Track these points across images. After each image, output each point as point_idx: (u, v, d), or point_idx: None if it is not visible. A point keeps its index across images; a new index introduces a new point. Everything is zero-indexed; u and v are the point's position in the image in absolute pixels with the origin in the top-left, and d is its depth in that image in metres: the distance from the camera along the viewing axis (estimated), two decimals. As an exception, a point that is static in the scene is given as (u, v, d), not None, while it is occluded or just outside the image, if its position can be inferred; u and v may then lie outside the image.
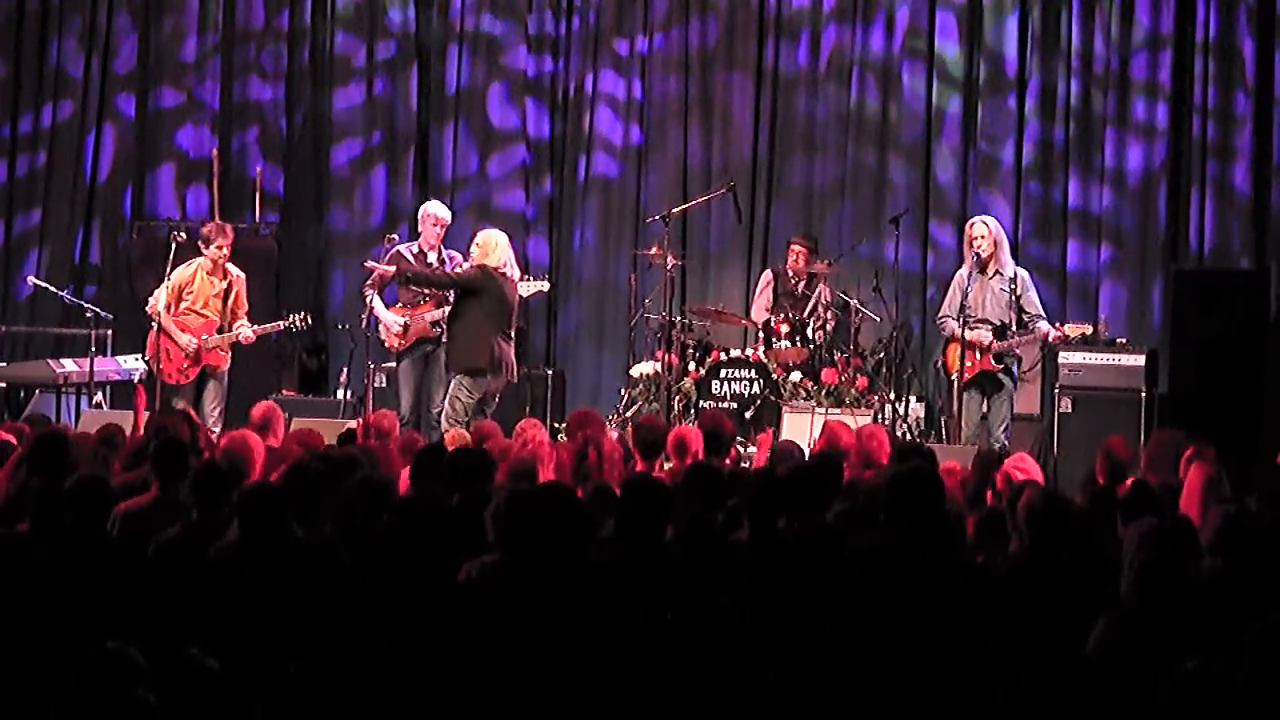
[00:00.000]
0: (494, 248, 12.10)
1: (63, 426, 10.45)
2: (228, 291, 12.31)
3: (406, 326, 12.39)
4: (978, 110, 14.31)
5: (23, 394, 13.49)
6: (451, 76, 15.15)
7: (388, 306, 12.48)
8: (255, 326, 12.35)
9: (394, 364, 12.66)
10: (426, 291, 12.43)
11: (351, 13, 15.22)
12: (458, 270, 12.25)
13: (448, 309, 12.30)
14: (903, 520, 6.13)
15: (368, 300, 12.48)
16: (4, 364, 14.02)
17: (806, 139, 14.70)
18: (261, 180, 14.83)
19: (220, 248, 12.23)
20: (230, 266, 12.37)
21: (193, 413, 10.45)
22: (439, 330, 12.41)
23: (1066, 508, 6.36)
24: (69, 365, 13.13)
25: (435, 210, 12.63)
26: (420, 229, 12.58)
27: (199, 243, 12.34)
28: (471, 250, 12.19)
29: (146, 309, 12.36)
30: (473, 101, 15.13)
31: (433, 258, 12.52)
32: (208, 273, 12.31)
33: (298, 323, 12.51)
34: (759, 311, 13.69)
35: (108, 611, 5.85)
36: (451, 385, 12.01)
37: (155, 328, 12.18)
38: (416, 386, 12.47)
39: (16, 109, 15.26)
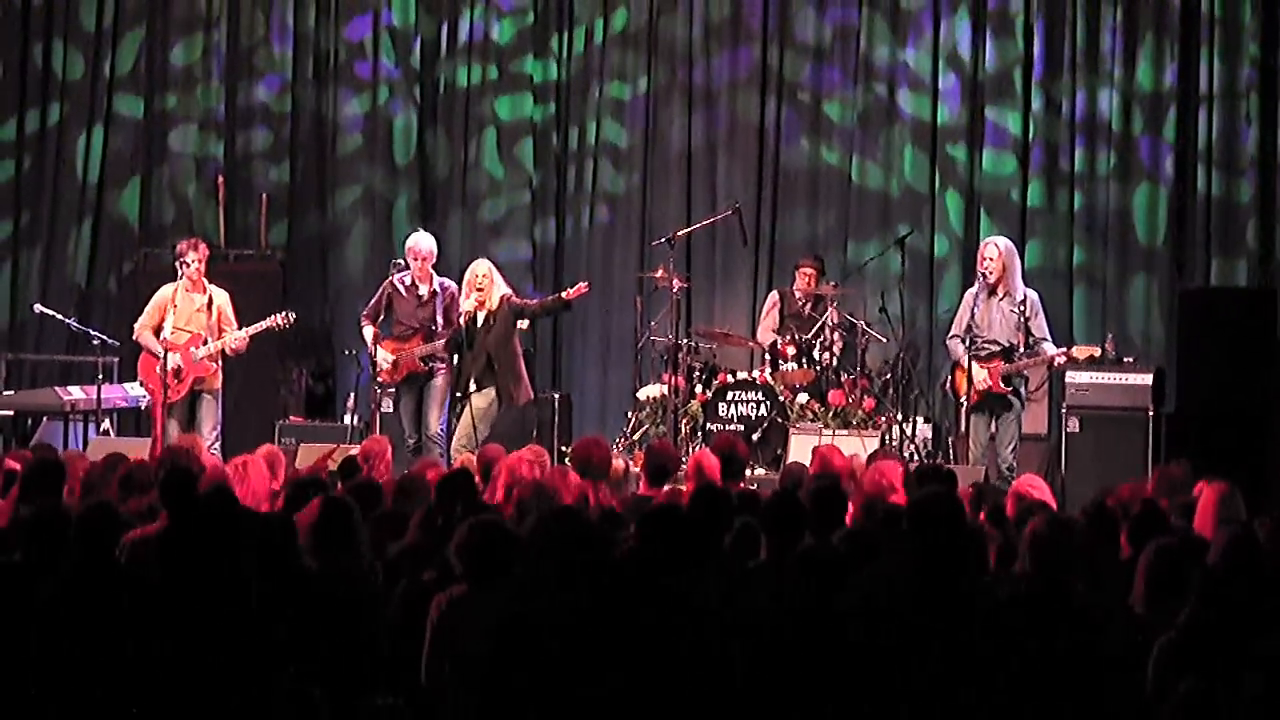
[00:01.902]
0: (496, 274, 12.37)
1: (68, 453, 10.42)
2: (209, 306, 12.34)
3: (396, 363, 12.35)
4: (983, 129, 14.31)
5: (30, 422, 13.49)
6: (458, 123, 15.20)
7: (380, 340, 12.46)
8: (241, 330, 12.34)
9: (394, 392, 12.65)
10: (418, 326, 12.42)
11: (355, 49, 15.27)
12: (530, 302, 12.55)
13: (438, 344, 12.33)
14: (922, 545, 6.10)
15: (364, 332, 12.52)
16: (11, 392, 14.02)
17: (812, 160, 14.71)
18: (268, 205, 14.85)
19: (193, 262, 12.29)
20: (211, 286, 12.41)
21: (199, 440, 10.41)
22: (428, 366, 12.41)
23: (1072, 532, 6.35)
24: (76, 393, 13.13)
25: (414, 244, 12.56)
26: (409, 261, 12.56)
27: (174, 261, 12.41)
28: (479, 283, 12.27)
29: (133, 336, 12.44)
30: (477, 141, 15.17)
31: (424, 289, 12.47)
32: (187, 290, 12.36)
33: (280, 321, 12.51)
34: (764, 333, 13.69)
35: (117, 639, 5.85)
36: (484, 411, 12.17)
37: (156, 354, 12.24)
38: (415, 413, 12.45)
39: (23, 111, 15.31)
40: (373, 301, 12.64)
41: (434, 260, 12.56)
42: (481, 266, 12.49)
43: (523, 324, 12.69)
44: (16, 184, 15.35)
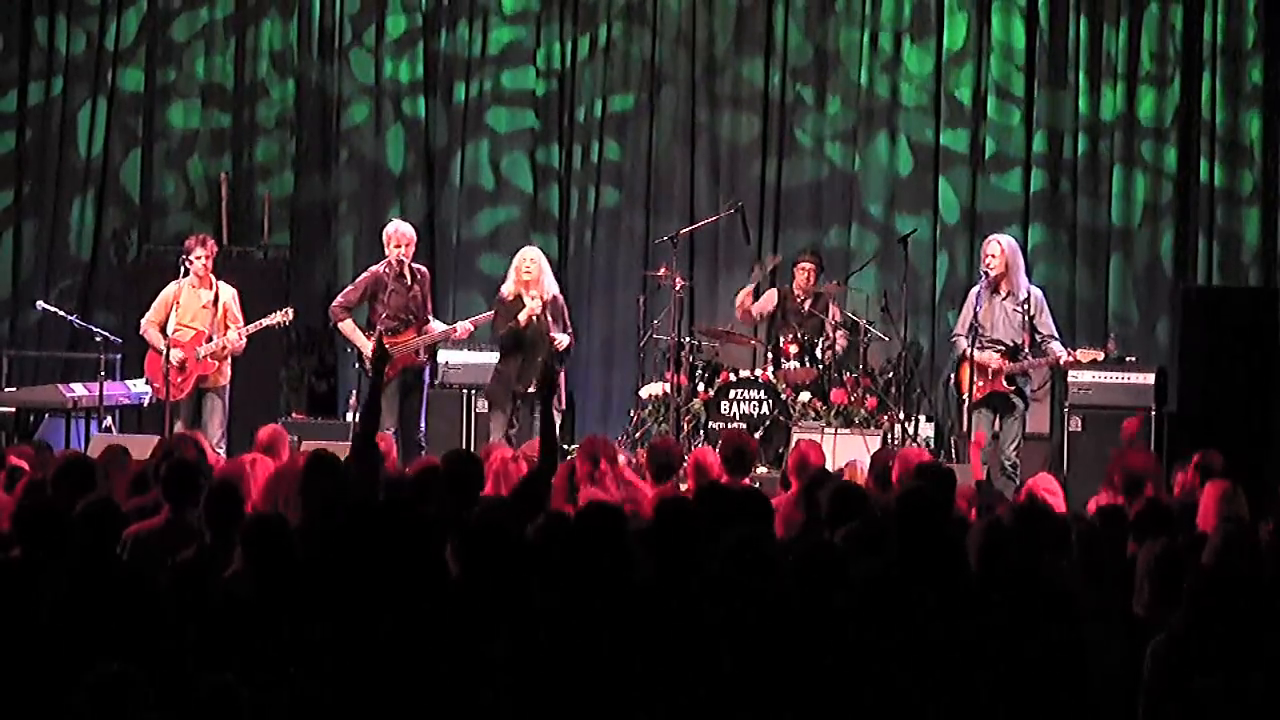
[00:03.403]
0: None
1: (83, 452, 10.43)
2: (215, 302, 12.32)
3: (391, 359, 12.22)
4: (985, 126, 14.32)
5: (32, 418, 13.50)
6: (456, 119, 15.18)
7: (367, 334, 12.23)
8: (233, 332, 12.31)
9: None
10: (411, 318, 12.33)
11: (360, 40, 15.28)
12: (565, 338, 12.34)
13: (442, 334, 12.26)
14: (909, 541, 6.11)
15: (341, 327, 12.38)
16: (13, 388, 14.03)
17: (815, 158, 14.70)
18: (270, 204, 14.85)
19: (200, 258, 12.27)
20: (219, 282, 12.39)
21: (201, 437, 10.39)
22: (424, 357, 12.35)
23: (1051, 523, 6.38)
24: (78, 389, 13.12)
25: (399, 230, 12.41)
26: (390, 249, 12.34)
27: (181, 258, 12.41)
28: (526, 270, 12.07)
29: (139, 333, 12.43)
30: (477, 131, 15.16)
31: (408, 278, 12.29)
32: (193, 286, 12.35)
33: (279, 319, 12.48)
34: (757, 308, 13.60)
35: (118, 635, 5.85)
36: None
37: (159, 350, 12.25)
38: (399, 410, 12.30)
39: (24, 84, 15.31)
40: (350, 294, 12.44)
41: (405, 244, 12.32)
42: (530, 252, 12.28)
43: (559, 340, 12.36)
44: (18, 156, 15.34)
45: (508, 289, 12.29)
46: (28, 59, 15.32)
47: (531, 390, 12.06)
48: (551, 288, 12.27)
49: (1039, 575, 6.06)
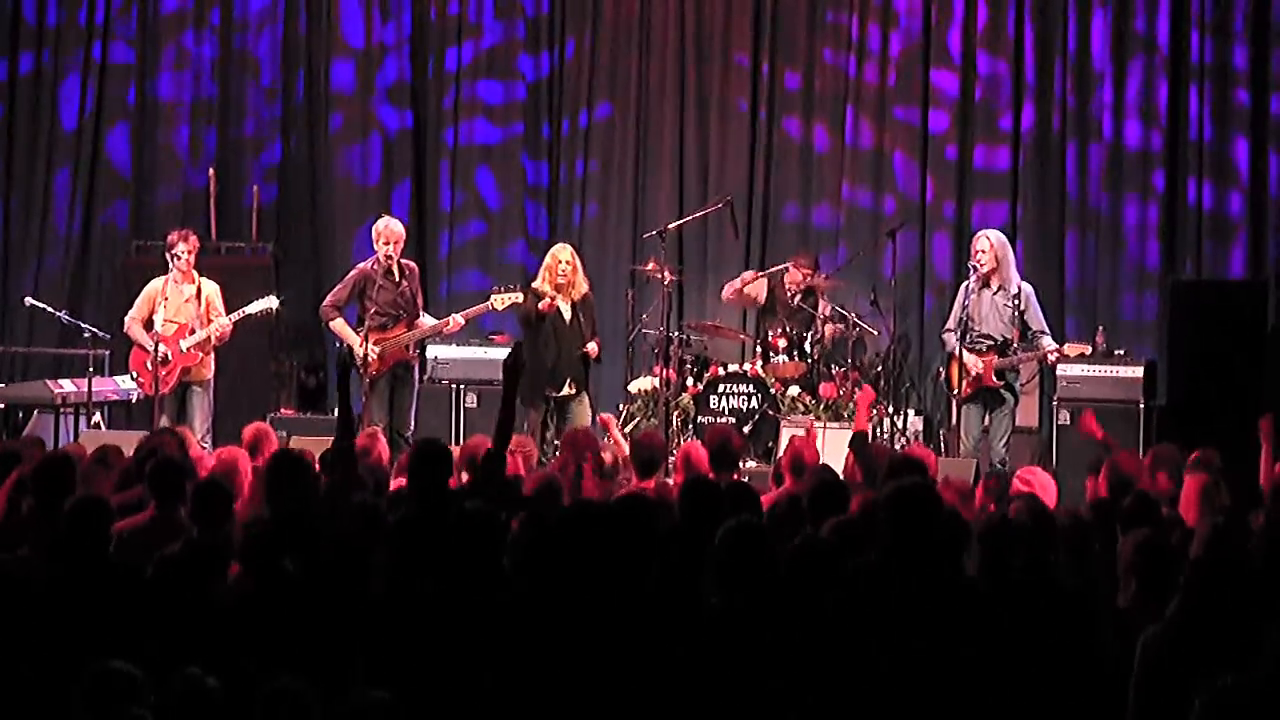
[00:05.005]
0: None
1: (70, 448, 10.40)
2: (198, 296, 12.32)
3: (382, 355, 12.14)
4: (972, 125, 14.32)
5: (20, 415, 13.47)
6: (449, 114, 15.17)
7: (356, 331, 12.19)
8: (226, 318, 12.29)
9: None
10: (401, 313, 12.31)
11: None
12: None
13: (432, 328, 12.25)
14: (901, 536, 6.10)
15: (334, 325, 12.35)
16: (2, 385, 14.01)
17: (804, 154, 14.70)
18: (259, 200, 14.83)
19: (183, 253, 12.29)
20: (200, 276, 12.40)
21: (186, 432, 10.37)
22: (415, 353, 12.34)
23: (1053, 522, 6.37)
24: (67, 386, 13.11)
25: (388, 227, 12.35)
26: (379, 246, 12.32)
27: (165, 253, 12.40)
28: (560, 271, 12.10)
29: (124, 329, 12.42)
30: (470, 126, 15.16)
31: (397, 274, 12.27)
32: (177, 282, 12.36)
33: (266, 308, 12.44)
34: (751, 290, 13.57)
35: (108, 631, 5.85)
36: (588, 418, 11.98)
37: (144, 347, 12.24)
38: (388, 406, 12.27)
39: (14, 56, 15.24)
40: (339, 292, 12.38)
41: (393, 242, 12.26)
42: (564, 253, 12.26)
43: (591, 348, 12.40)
44: (10, 128, 15.29)
45: (539, 286, 12.23)
46: (16, 33, 15.24)
47: (564, 393, 12.09)
48: (584, 286, 12.23)
49: (1050, 576, 6.07)
